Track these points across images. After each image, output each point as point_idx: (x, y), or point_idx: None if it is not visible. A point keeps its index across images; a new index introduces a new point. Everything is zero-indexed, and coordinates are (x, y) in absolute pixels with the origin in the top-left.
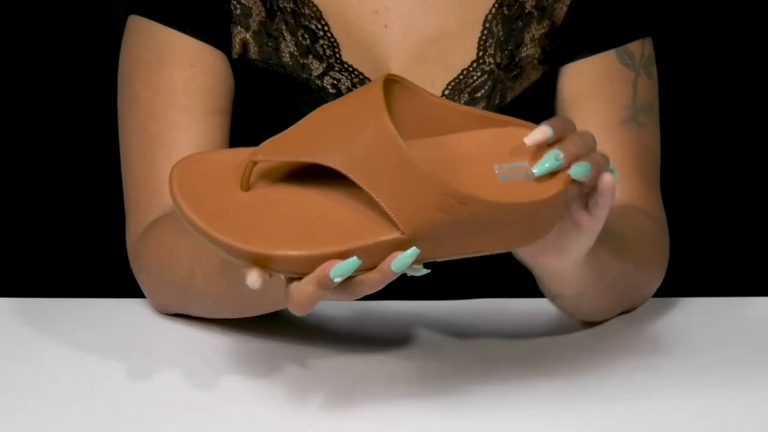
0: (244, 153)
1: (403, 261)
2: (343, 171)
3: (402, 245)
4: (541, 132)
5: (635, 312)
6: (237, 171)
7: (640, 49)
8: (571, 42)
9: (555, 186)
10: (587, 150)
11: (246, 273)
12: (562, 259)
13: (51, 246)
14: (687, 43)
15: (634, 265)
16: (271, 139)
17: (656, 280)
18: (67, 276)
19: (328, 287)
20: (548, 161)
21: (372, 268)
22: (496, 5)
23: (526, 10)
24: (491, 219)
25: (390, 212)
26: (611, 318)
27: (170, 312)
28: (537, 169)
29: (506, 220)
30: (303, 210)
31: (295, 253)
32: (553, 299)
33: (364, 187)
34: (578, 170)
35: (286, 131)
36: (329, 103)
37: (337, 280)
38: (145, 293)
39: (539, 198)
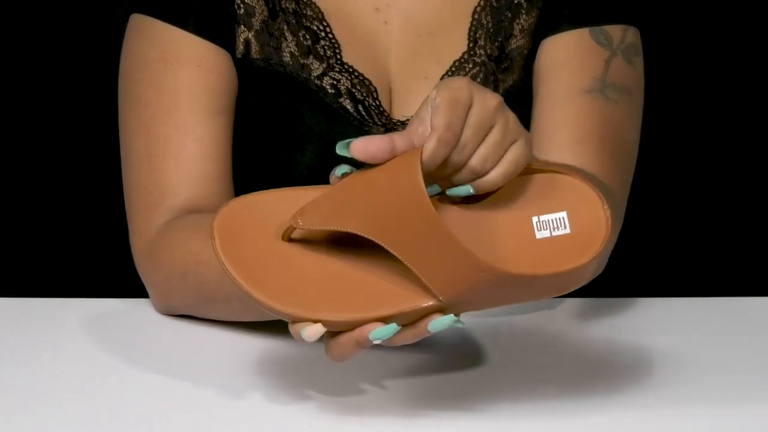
0: (285, 197)
1: (440, 324)
2: (382, 244)
3: (439, 309)
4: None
5: (635, 311)
6: (278, 220)
7: (620, 34)
8: (549, 19)
9: (592, 247)
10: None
11: (302, 328)
12: None
13: (51, 246)
14: (685, 43)
15: None
16: (314, 200)
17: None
18: (67, 276)
19: (365, 347)
20: None
21: (408, 324)
22: None
23: (515, 1)
24: (526, 286)
25: (428, 283)
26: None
27: (177, 313)
28: None
29: (541, 286)
30: (342, 270)
31: (339, 319)
32: None
33: (402, 259)
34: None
35: (327, 193)
36: (368, 169)
37: (376, 342)
38: (154, 294)
39: (573, 266)
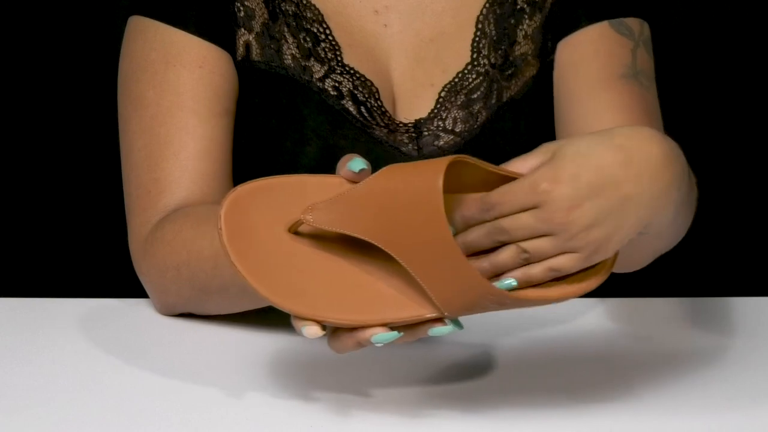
0: (291, 183)
1: (440, 332)
2: (393, 254)
3: (440, 318)
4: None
5: (635, 312)
6: (284, 208)
7: (639, 26)
8: (564, 21)
9: (599, 272)
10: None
11: (303, 326)
12: None
13: (51, 246)
14: (687, 42)
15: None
16: (329, 199)
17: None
18: (67, 276)
19: (365, 346)
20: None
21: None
22: (488, 5)
23: (518, 6)
24: (529, 305)
25: (434, 298)
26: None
27: (176, 312)
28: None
29: (542, 303)
30: (347, 269)
31: (341, 321)
32: None
33: (412, 272)
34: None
35: (343, 194)
36: (390, 172)
37: (378, 345)
38: (152, 292)
39: (579, 290)
